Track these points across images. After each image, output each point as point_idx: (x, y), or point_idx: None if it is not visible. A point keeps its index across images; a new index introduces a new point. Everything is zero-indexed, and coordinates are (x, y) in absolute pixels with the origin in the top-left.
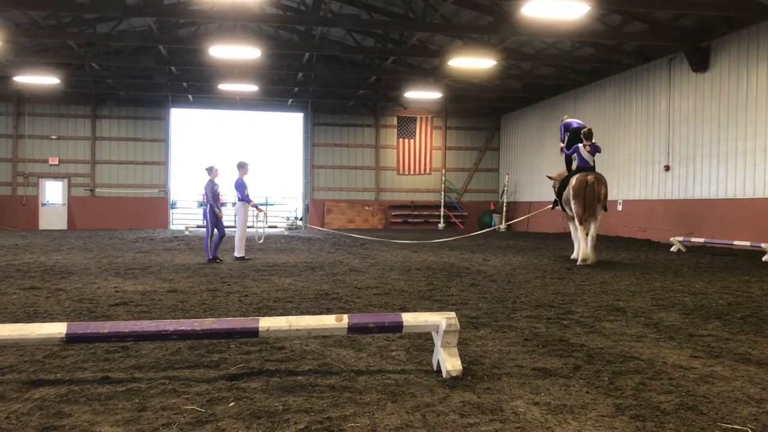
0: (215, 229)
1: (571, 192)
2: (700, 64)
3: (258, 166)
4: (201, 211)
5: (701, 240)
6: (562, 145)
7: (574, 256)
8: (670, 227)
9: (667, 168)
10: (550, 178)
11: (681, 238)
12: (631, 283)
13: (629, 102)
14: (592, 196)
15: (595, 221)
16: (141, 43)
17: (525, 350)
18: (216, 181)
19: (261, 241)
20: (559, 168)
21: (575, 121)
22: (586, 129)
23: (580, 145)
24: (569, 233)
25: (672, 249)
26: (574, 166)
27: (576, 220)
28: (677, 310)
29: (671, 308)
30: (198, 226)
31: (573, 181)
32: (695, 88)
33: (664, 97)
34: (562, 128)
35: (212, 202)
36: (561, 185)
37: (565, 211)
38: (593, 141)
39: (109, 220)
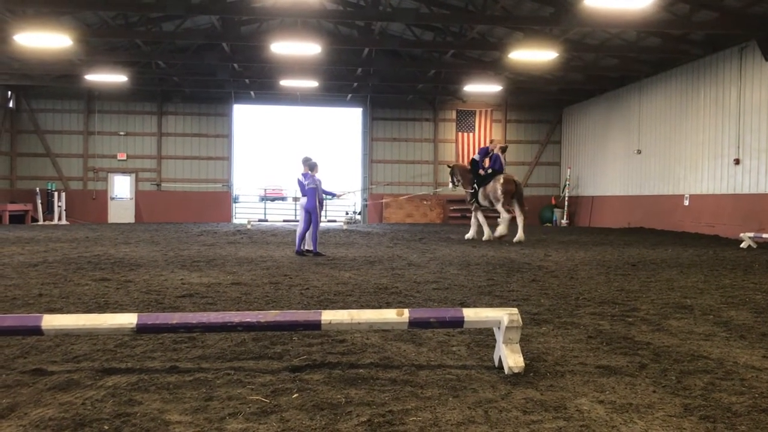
0: (308, 224)
1: (501, 189)
2: None
3: (319, 161)
4: (262, 205)
5: None
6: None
7: (483, 236)
8: (740, 223)
9: (737, 161)
10: (450, 166)
11: (752, 234)
12: (699, 280)
13: (697, 93)
14: (520, 194)
15: (523, 211)
16: (205, 40)
17: (589, 348)
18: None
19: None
20: (620, 168)
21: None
22: (502, 145)
23: (500, 155)
24: (633, 228)
25: (742, 245)
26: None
27: (503, 209)
28: (748, 309)
29: (742, 306)
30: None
31: (502, 180)
32: None
33: (734, 88)
34: (495, 158)
35: (321, 196)
36: (481, 181)
37: (477, 202)
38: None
39: (174, 213)
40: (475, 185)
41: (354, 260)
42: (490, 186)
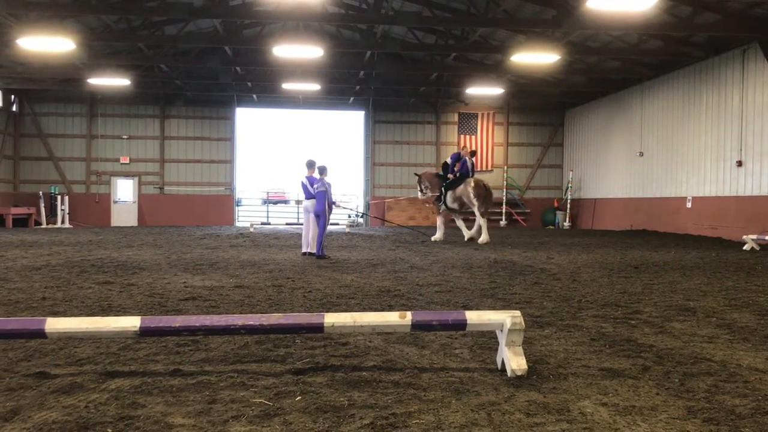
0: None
1: (473, 192)
2: None
3: (326, 164)
4: (265, 208)
5: None
6: (455, 170)
7: (435, 238)
8: (743, 225)
9: (739, 164)
10: (418, 175)
11: (755, 236)
12: (702, 282)
13: (699, 96)
14: (489, 197)
15: (486, 214)
16: (207, 44)
17: (591, 350)
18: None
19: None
20: (623, 170)
21: (455, 156)
22: (471, 149)
23: (467, 159)
24: (636, 231)
25: (745, 247)
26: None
27: (478, 213)
28: (752, 311)
29: (745, 309)
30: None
31: (472, 183)
32: None
33: (736, 91)
34: (463, 162)
35: (330, 199)
36: (449, 184)
37: (446, 204)
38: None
39: (177, 217)
40: (443, 188)
41: (356, 263)
42: (460, 189)
